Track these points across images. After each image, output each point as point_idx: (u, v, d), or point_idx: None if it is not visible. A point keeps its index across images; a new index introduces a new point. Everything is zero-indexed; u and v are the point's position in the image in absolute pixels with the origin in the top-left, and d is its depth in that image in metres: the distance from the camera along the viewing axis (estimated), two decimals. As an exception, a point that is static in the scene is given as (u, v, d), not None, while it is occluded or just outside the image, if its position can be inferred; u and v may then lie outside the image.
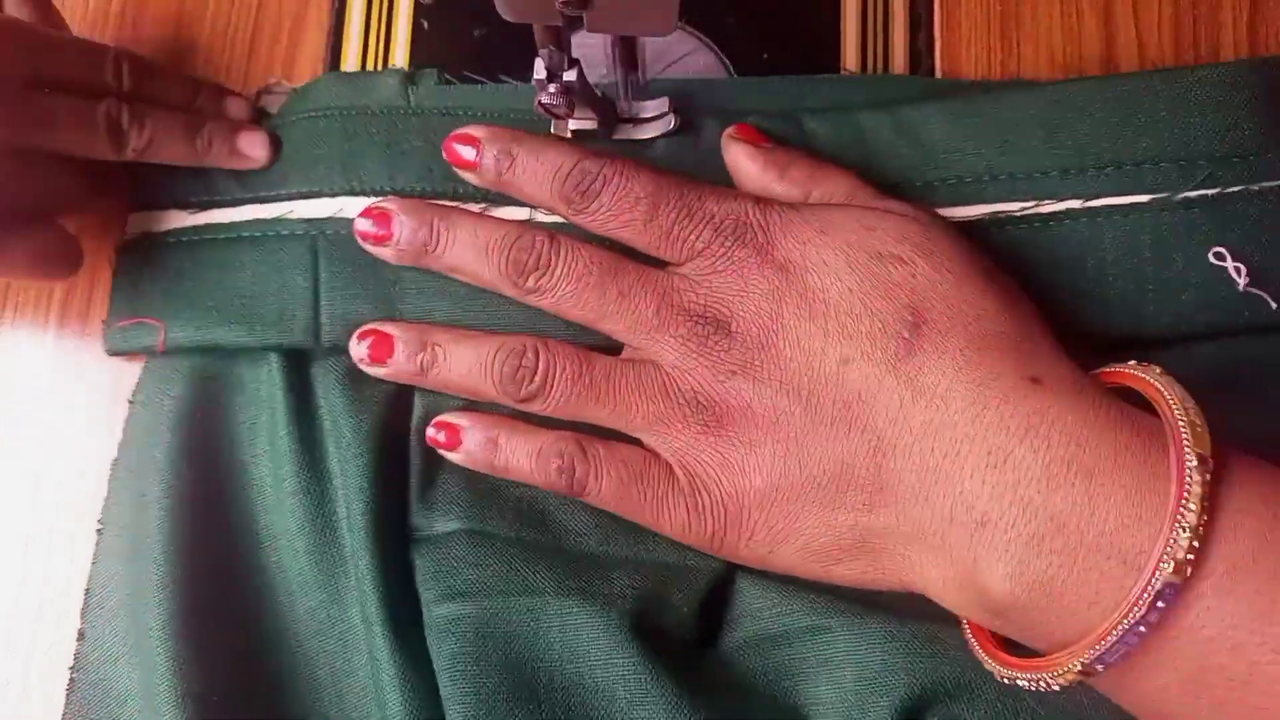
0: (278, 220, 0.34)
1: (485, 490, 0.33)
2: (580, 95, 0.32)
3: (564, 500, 0.33)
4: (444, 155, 0.33)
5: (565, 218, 0.32)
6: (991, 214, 0.33)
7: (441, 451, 0.33)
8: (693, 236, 0.31)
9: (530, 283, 0.31)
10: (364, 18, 0.38)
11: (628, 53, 0.32)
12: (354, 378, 0.33)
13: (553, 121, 0.34)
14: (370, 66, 0.37)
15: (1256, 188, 0.32)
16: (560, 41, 0.30)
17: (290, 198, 0.35)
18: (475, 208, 0.34)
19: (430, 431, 0.33)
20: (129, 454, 0.34)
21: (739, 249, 0.31)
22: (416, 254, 0.33)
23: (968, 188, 0.33)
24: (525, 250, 0.31)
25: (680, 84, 0.36)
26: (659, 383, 0.31)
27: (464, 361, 0.32)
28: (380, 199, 0.34)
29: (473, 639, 0.30)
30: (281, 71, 0.38)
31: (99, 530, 0.34)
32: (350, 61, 0.37)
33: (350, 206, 0.34)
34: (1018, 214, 0.33)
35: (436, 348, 0.33)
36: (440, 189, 0.34)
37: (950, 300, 0.29)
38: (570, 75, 0.30)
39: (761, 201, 0.31)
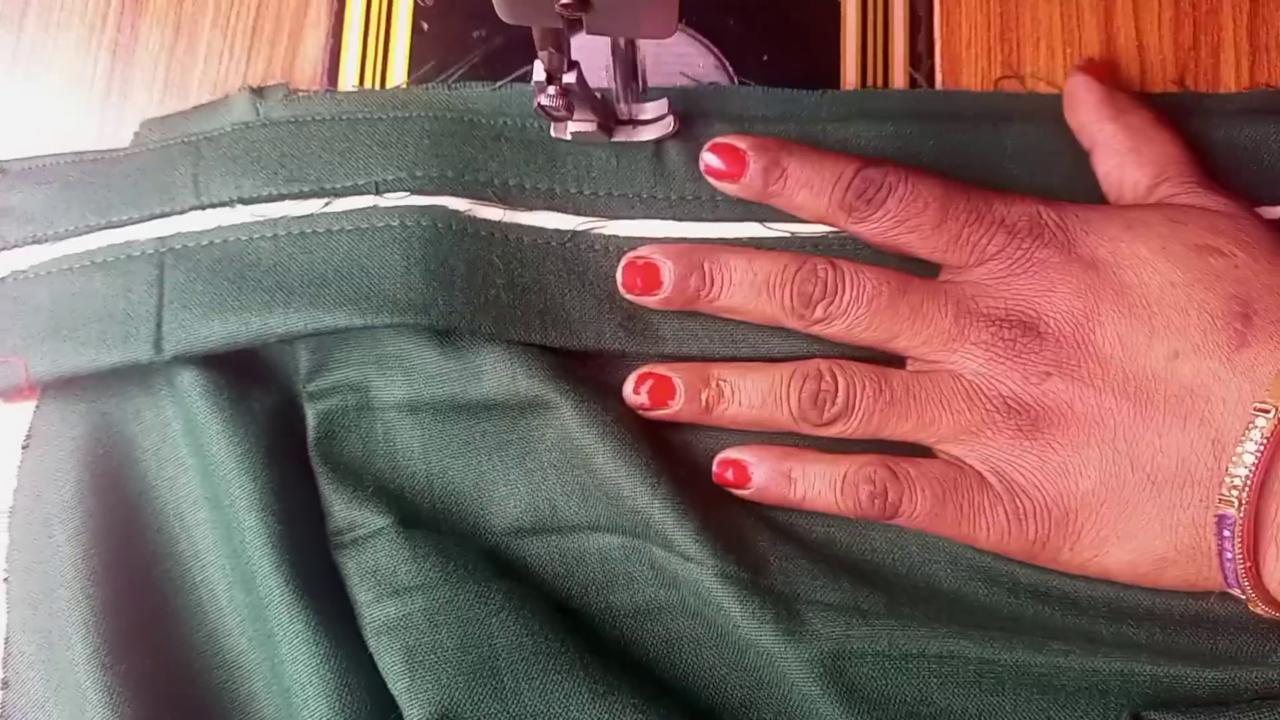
0: (128, 244, 0.34)
1: (405, 486, 0.33)
2: (579, 97, 0.32)
3: (484, 485, 0.33)
4: (700, 168, 0.32)
5: (842, 227, 0.31)
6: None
7: (730, 489, 0.32)
8: (984, 240, 0.30)
9: (819, 312, 0.31)
10: (363, 19, 0.38)
11: (627, 55, 0.32)
12: (227, 396, 0.33)
13: (551, 123, 0.34)
14: (370, 68, 0.37)
15: None
16: (560, 43, 0.30)
17: (141, 220, 0.34)
18: (318, 204, 0.33)
19: (716, 470, 0.32)
20: (28, 500, 0.33)
21: (1039, 249, 0.30)
22: (688, 300, 0.32)
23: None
24: (809, 280, 0.31)
25: (680, 88, 0.36)
26: (963, 392, 0.30)
27: (756, 393, 0.31)
28: (645, 247, 0.32)
29: (426, 630, 0.30)
30: (281, 73, 0.38)
31: (4, 579, 0.33)
32: (350, 62, 0.37)
33: (198, 220, 0.33)
34: None
35: (723, 383, 0.32)
36: (286, 190, 0.33)
37: (1276, 290, 0.28)
38: (570, 77, 0.30)
39: (1053, 202, 0.31)
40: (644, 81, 0.33)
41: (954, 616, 0.31)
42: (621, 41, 0.31)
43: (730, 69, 0.37)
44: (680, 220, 0.33)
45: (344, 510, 0.32)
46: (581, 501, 0.32)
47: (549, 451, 0.32)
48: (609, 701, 0.29)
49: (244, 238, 0.33)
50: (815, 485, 0.31)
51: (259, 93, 0.36)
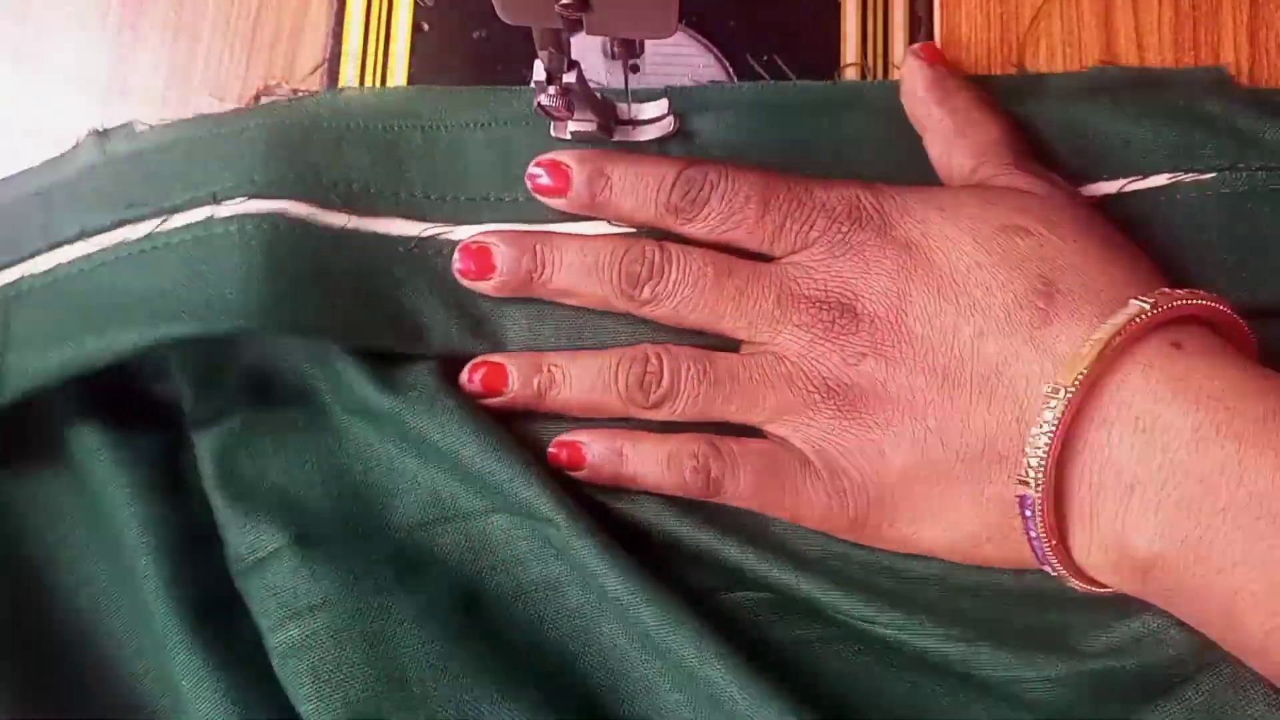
0: None
1: (303, 496, 0.32)
2: (579, 97, 0.32)
3: (385, 483, 0.33)
4: (527, 184, 0.33)
5: (671, 228, 0.32)
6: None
7: (565, 470, 0.33)
8: (806, 226, 0.31)
9: (646, 293, 0.31)
10: (363, 20, 0.38)
11: (627, 55, 0.32)
12: (112, 439, 0.32)
13: (551, 123, 0.34)
14: (370, 68, 0.37)
15: None
16: (560, 43, 0.30)
17: None
18: (155, 222, 0.32)
19: (551, 450, 0.33)
20: None
21: (857, 233, 0.31)
22: (521, 283, 0.32)
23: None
24: (637, 261, 0.31)
25: (680, 88, 0.36)
26: (785, 373, 0.31)
27: (585, 378, 0.32)
28: (478, 233, 0.33)
29: (331, 648, 0.30)
30: (281, 73, 0.38)
31: None
32: (350, 62, 0.37)
33: (43, 261, 0.33)
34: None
35: (554, 368, 0.32)
36: (125, 216, 0.33)
37: (1079, 268, 0.29)
38: (570, 77, 0.30)
39: (872, 186, 0.31)
40: (643, 71, 0.33)
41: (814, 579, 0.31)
42: (622, 41, 0.31)
43: (730, 69, 0.37)
44: (528, 223, 0.33)
45: (241, 535, 0.31)
46: (477, 487, 0.32)
47: (436, 446, 0.32)
48: (517, 701, 0.30)
49: (85, 268, 0.32)
50: (645, 463, 0.32)
51: (104, 134, 0.35)
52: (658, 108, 0.34)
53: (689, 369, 0.31)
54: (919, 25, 0.37)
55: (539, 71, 0.30)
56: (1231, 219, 0.33)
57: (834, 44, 0.37)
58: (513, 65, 0.36)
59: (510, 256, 0.32)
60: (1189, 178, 0.33)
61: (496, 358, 0.33)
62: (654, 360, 0.32)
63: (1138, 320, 0.27)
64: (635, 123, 0.34)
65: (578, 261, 0.32)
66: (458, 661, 0.30)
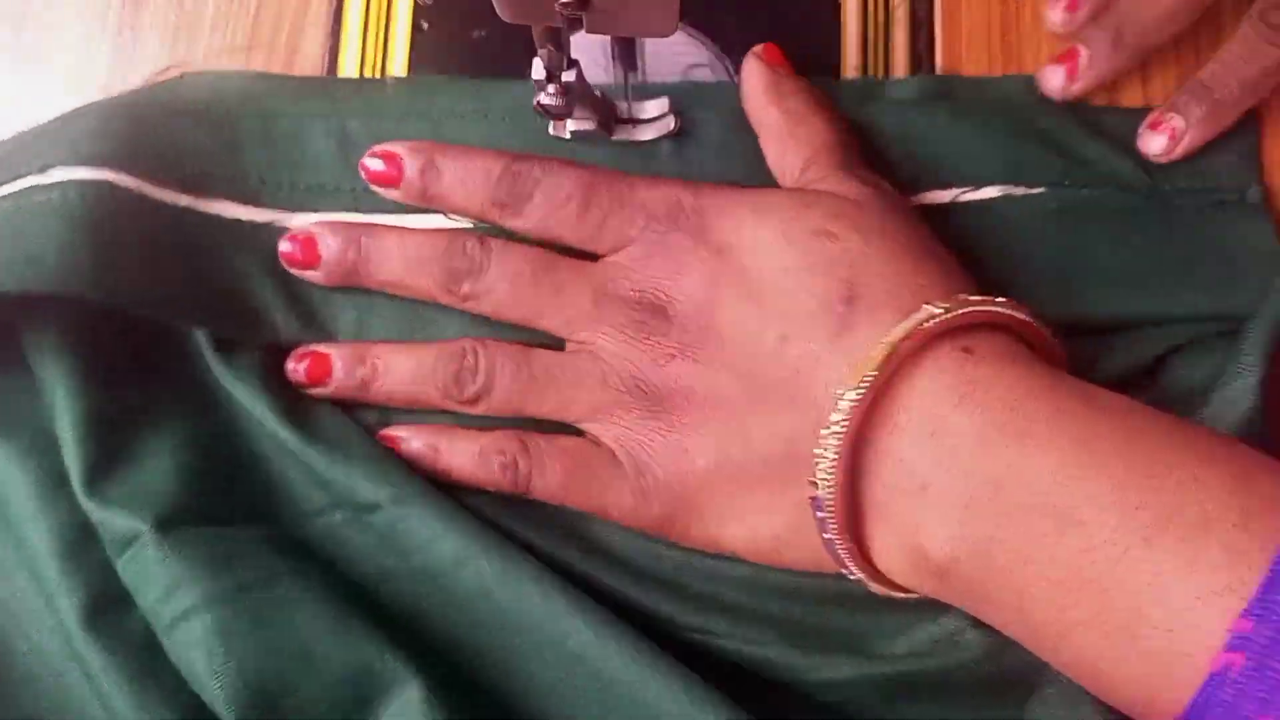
0: None
1: (169, 491, 0.31)
2: (579, 96, 0.31)
3: (270, 469, 0.33)
4: (361, 174, 0.33)
5: (497, 223, 0.32)
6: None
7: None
8: (626, 225, 0.31)
9: (466, 288, 0.32)
10: (363, 19, 0.38)
11: (628, 54, 0.32)
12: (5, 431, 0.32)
13: (551, 122, 0.34)
14: (370, 68, 0.37)
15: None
16: (560, 42, 0.30)
17: None
18: None
19: (383, 431, 0.33)
20: None
21: (674, 234, 0.31)
22: (346, 273, 0.33)
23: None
24: (457, 256, 0.32)
25: (680, 87, 0.36)
26: (598, 372, 0.31)
27: (405, 370, 0.32)
28: (306, 224, 0.33)
29: (217, 624, 0.29)
30: (281, 72, 0.38)
31: None
32: (349, 62, 0.37)
33: None
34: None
35: (376, 361, 0.33)
36: None
37: (883, 274, 0.29)
38: (569, 76, 0.30)
39: (694, 186, 0.32)
40: (643, 70, 0.33)
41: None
42: (622, 40, 0.31)
43: (730, 69, 0.37)
44: (365, 212, 0.34)
45: (113, 522, 0.31)
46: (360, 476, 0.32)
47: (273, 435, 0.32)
48: (419, 664, 0.29)
49: None
50: (458, 458, 0.32)
51: None
52: (658, 107, 0.34)
53: (505, 365, 0.32)
54: (919, 25, 0.37)
55: (539, 70, 0.30)
56: (1058, 233, 0.33)
57: (834, 44, 0.37)
58: (513, 65, 0.36)
59: (335, 247, 0.33)
60: (1019, 191, 0.34)
61: (321, 347, 0.33)
62: (470, 356, 0.32)
63: (929, 325, 0.27)
64: (635, 122, 0.34)
65: (401, 255, 0.32)
66: (355, 632, 0.30)
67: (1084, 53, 0.34)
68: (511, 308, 0.32)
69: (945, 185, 0.34)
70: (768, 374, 0.29)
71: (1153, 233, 0.33)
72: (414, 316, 0.34)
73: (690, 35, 0.37)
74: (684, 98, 0.35)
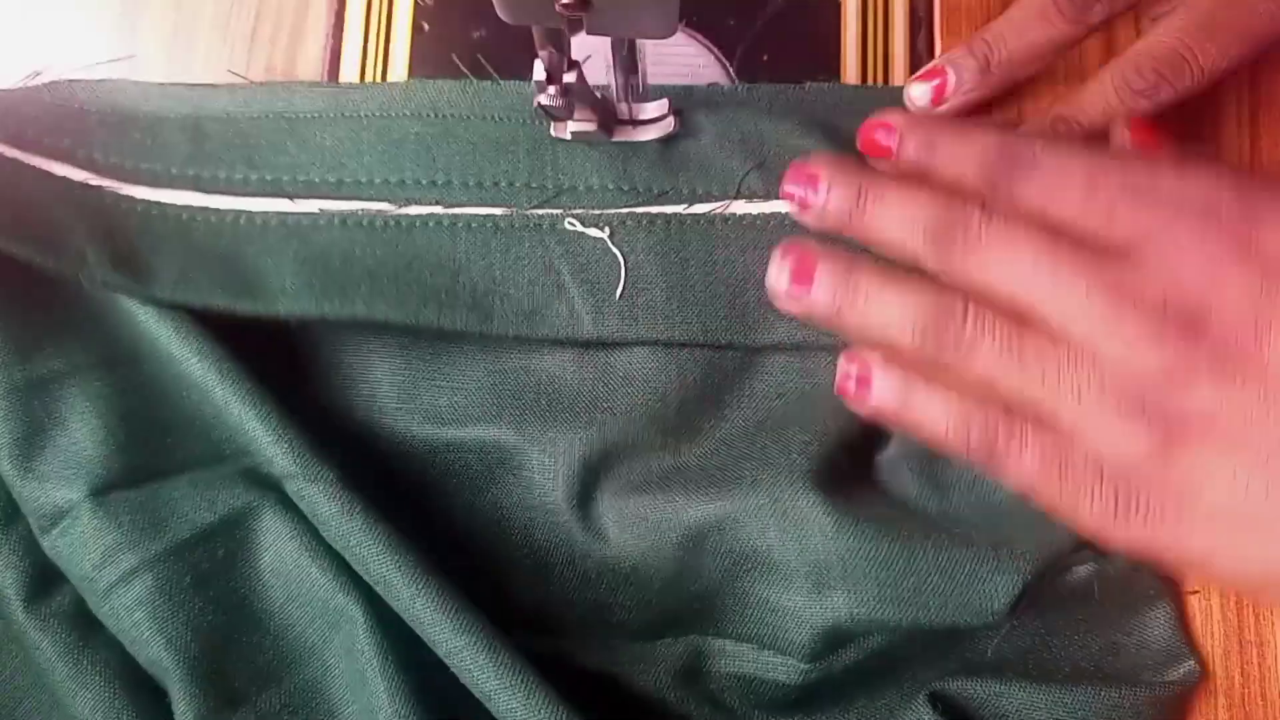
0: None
1: (99, 454, 0.32)
2: (580, 97, 0.31)
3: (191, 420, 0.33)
4: (858, 145, 0.30)
5: (991, 202, 0.29)
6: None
7: (847, 401, 0.30)
8: (1146, 216, 0.27)
9: (958, 255, 0.28)
10: (364, 19, 0.38)
11: (628, 55, 0.32)
12: None
13: (551, 123, 0.34)
14: (370, 68, 0.37)
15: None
16: (560, 43, 0.30)
17: None
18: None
19: (846, 366, 0.30)
20: None
21: (1211, 235, 0.27)
22: (840, 223, 0.30)
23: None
24: (957, 219, 0.28)
25: (681, 89, 0.36)
26: (1098, 379, 0.27)
27: (887, 310, 0.29)
28: (807, 160, 0.30)
29: (156, 584, 0.30)
30: (282, 74, 0.38)
31: None
32: (350, 62, 0.37)
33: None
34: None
35: (858, 295, 0.29)
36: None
37: None
38: (570, 77, 0.30)
39: (1236, 179, 0.27)
40: (644, 79, 0.33)
41: None
42: (622, 41, 0.31)
43: (730, 69, 0.37)
44: (208, 193, 0.33)
45: (37, 497, 0.31)
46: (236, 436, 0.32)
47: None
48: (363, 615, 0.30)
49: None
50: (931, 412, 0.29)
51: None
52: (658, 108, 0.34)
53: (994, 335, 0.28)
54: (919, 25, 0.37)
55: (539, 71, 0.30)
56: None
57: (834, 44, 0.37)
58: (513, 65, 0.36)
59: (837, 190, 0.30)
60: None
61: (810, 247, 0.30)
62: (960, 315, 0.28)
63: None
64: (635, 123, 0.34)
65: (898, 211, 0.29)
66: (294, 574, 0.30)
67: (951, 77, 0.33)
68: (999, 280, 0.28)
69: (767, 196, 0.34)
70: None
71: None
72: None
73: (690, 36, 0.37)
74: (684, 98, 0.35)
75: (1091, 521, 0.28)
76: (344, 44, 0.38)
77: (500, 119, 0.34)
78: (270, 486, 0.32)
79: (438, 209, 0.33)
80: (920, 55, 0.37)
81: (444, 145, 0.34)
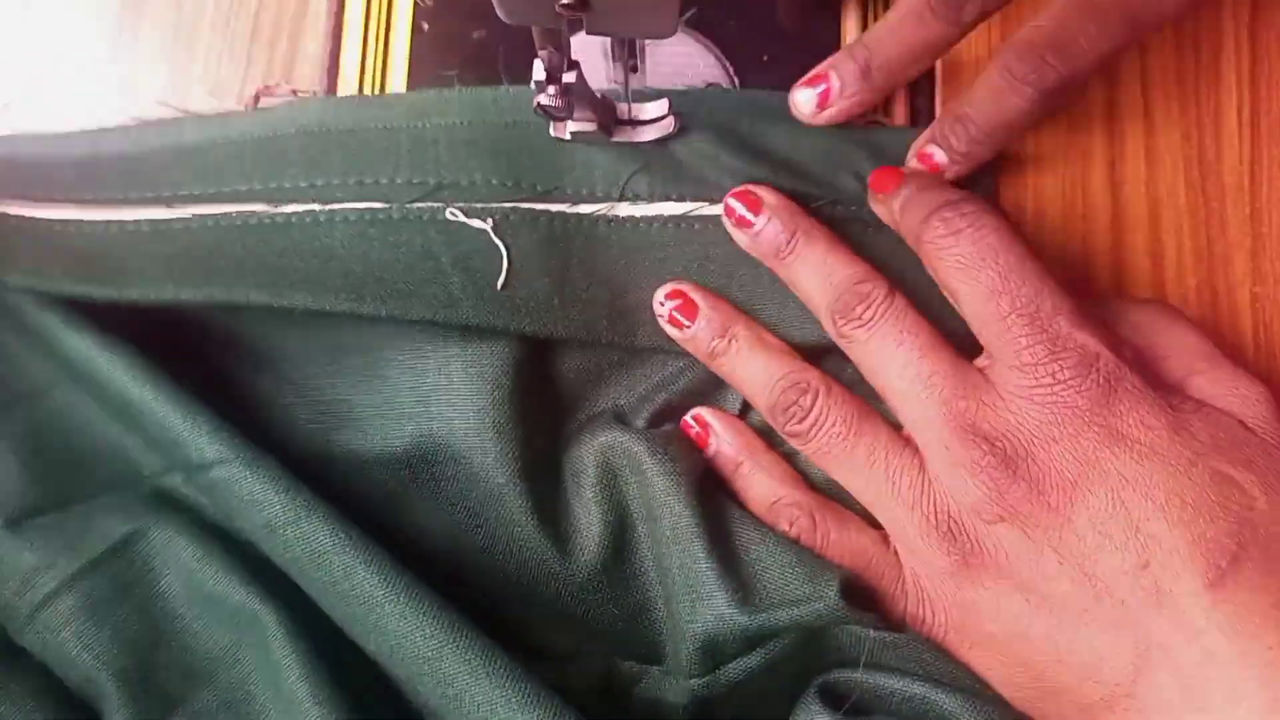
0: None
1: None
2: (580, 97, 0.31)
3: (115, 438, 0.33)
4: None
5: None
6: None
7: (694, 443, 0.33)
8: (1025, 344, 0.28)
9: (848, 329, 0.31)
10: (363, 20, 0.38)
11: (628, 55, 0.32)
12: None
13: (551, 123, 0.34)
14: (370, 68, 0.37)
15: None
16: (560, 43, 0.30)
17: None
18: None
19: (688, 418, 0.33)
20: None
21: (1072, 392, 0.28)
22: (767, 253, 0.32)
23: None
24: (862, 295, 0.31)
25: (680, 93, 0.36)
26: (918, 488, 0.29)
27: (751, 371, 0.32)
28: (756, 186, 0.33)
29: (83, 601, 0.30)
30: (281, 74, 0.38)
31: None
32: (350, 63, 0.37)
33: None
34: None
35: (734, 341, 0.32)
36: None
37: (1275, 542, 0.27)
38: (570, 77, 0.30)
39: (1121, 350, 0.29)
40: (642, 59, 0.33)
41: None
42: (622, 40, 0.31)
43: (730, 69, 0.37)
44: (85, 206, 0.33)
45: None
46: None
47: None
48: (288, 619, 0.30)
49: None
50: (752, 490, 0.32)
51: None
52: (658, 108, 0.34)
53: (834, 424, 0.30)
54: (919, 25, 0.37)
55: (539, 71, 0.30)
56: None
57: (834, 44, 0.37)
58: (513, 65, 0.36)
59: (775, 225, 0.32)
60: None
61: (697, 295, 0.33)
62: (808, 397, 0.31)
63: None
64: (635, 123, 0.34)
65: (819, 264, 0.32)
66: (212, 582, 0.30)
67: (835, 81, 0.33)
68: (881, 363, 0.30)
69: (680, 198, 0.34)
70: (1111, 590, 0.27)
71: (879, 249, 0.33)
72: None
73: (690, 36, 0.37)
74: (684, 100, 0.35)
75: (892, 616, 0.30)
76: (344, 44, 0.38)
77: (385, 128, 0.34)
78: (178, 500, 0.32)
79: (315, 206, 0.33)
80: (920, 55, 0.37)
81: (326, 154, 0.33)
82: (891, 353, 0.30)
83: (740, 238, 0.33)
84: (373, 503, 0.33)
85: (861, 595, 0.30)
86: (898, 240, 0.32)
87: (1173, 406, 0.29)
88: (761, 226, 0.32)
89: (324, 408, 0.34)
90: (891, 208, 0.32)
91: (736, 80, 0.37)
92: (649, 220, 0.34)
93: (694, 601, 0.30)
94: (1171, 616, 0.27)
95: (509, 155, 0.34)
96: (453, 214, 0.33)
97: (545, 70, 0.30)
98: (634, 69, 0.33)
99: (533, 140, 0.34)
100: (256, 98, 0.37)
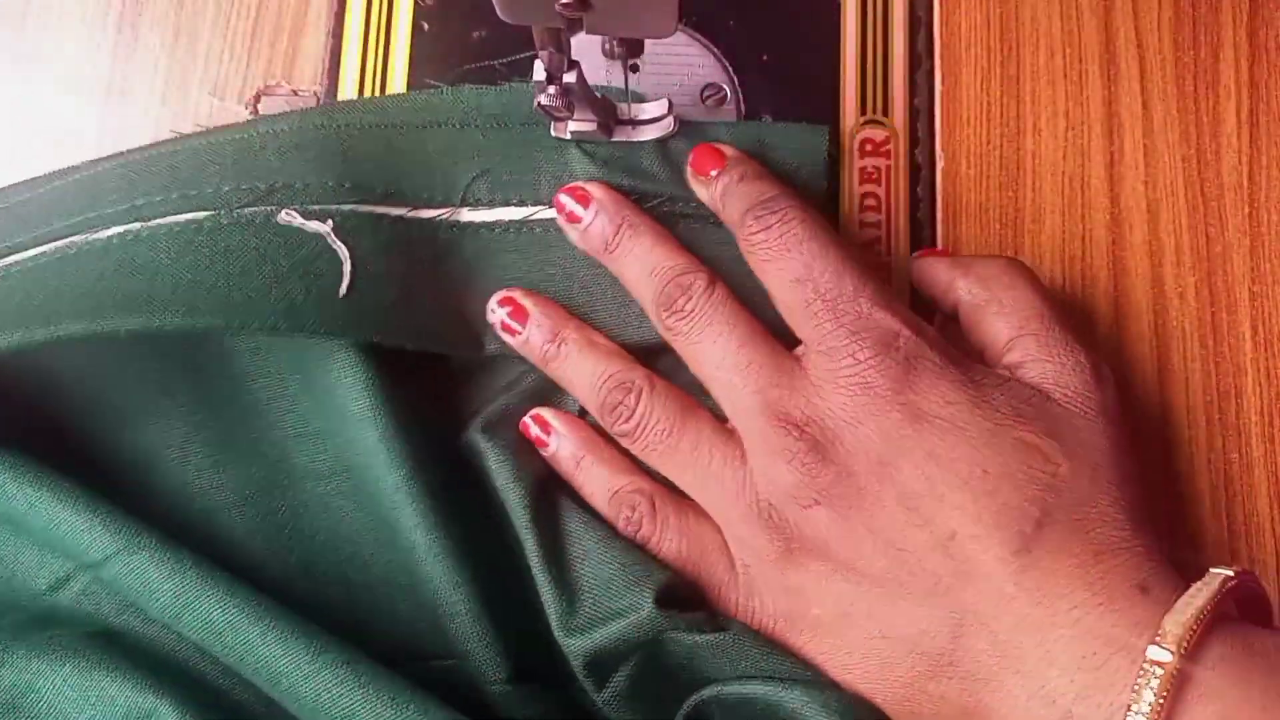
0: None
1: None
2: (580, 97, 0.32)
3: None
4: (690, 172, 0.33)
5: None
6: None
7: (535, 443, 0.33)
8: (829, 325, 0.29)
9: (672, 319, 0.31)
10: (364, 19, 0.38)
11: (627, 55, 0.32)
12: None
13: (551, 123, 0.34)
14: (370, 68, 0.37)
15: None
16: (560, 43, 0.30)
17: None
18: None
19: (527, 419, 0.33)
20: None
21: (873, 372, 0.29)
22: (596, 247, 0.33)
23: None
24: (685, 285, 0.31)
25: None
26: (739, 478, 0.30)
27: (580, 372, 0.32)
28: (587, 182, 0.33)
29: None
30: (282, 74, 0.38)
31: None
32: (350, 63, 0.37)
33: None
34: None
35: (564, 345, 0.33)
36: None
37: (1083, 506, 0.28)
38: (570, 77, 0.30)
39: (920, 329, 0.30)
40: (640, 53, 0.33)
41: None
42: (622, 40, 0.31)
43: (730, 69, 0.37)
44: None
45: None
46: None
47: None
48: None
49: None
50: (592, 484, 0.32)
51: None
52: (658, 107, 0.34)
53: (658, 421, 0.31)
54: (919, 25, 0.37)
55: (539, 71, 0.30)
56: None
57: (834, 44, 0.37)
58: (513, 65, 0.36)
59: (601, 219, 0.33)
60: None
61: (527, 301, 0.33)
62: (633, 397, 0.31)
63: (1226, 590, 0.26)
64: (635, 123, 0.34)
65: (643, 257, 0.32)
66: (112, 687, 0.29)
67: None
68: (696, 362, 0.31)
69: (520, 202, 0.34)
70: (923, 563, 0.28)
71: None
72: None
73: (690, 36, 0.37)
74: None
75: (726, 610, 0.31)
76: (344, 44, 0.38)
77: (209, 144, 0.33)
78: (61, 616, 0.31)
79: (135, 225, 0.31)
80: (919, 55, 0.37)
81: (144, 174, 0.32)
82: (711, 343, 0.31)
83: (571, 233, 0.33)
84: (274, 528, 0.32)
85: (692, 593, 0.30)
86: (729, 236, 0.32)
87: (974, 380, 0.29)
88: (589, 221, 0.33)
89: (213, 448, 0.33)
90: (712, 193, 0.32)
91: (736, 80, 0.37)
92: (490, 225, 0.34)
93: (550, 622, 0.30)
94: (982, 585, 0.27)
95: (344, 158, 0.33)
96: (288, 215, 0.31)
97: (545, 70, 0.30)
98: (634, 69, 0.33)
99: (367, 145, 0.33)
100: (257, 98, 0.37)
